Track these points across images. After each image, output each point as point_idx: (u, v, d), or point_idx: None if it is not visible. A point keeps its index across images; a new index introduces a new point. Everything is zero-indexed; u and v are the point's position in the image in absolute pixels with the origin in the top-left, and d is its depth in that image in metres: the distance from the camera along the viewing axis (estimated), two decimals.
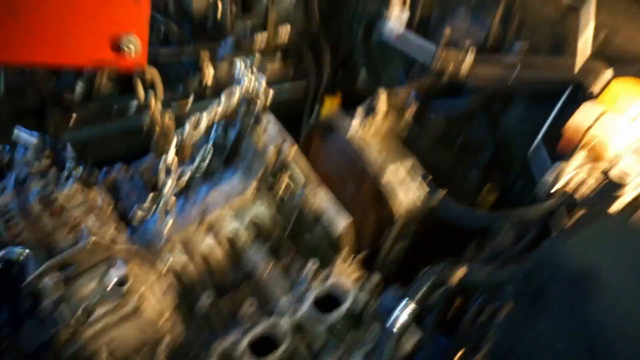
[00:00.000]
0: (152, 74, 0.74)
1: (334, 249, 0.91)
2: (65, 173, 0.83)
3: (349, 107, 1.18)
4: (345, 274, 0.86)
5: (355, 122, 1.12)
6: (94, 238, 0.71)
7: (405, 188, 1.04)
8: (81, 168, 0.96)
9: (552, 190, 0.71)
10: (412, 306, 0.69)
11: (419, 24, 1.23)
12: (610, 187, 0.66)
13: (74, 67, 0.94)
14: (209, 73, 1.40)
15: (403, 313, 0.69)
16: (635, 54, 0.85)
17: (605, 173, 0.66)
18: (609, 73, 0.76)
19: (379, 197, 1.05)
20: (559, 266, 0.56)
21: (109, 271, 0.68)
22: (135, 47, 0.62)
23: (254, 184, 0.91)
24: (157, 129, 0.83)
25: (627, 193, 0.63)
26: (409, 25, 1.23)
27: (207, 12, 1.41)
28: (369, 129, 1.13)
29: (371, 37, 1.42)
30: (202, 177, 0.99)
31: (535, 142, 0.93)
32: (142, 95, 0.75)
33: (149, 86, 0.73)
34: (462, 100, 1.06)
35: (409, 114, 1.13)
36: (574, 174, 0.70)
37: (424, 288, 0.69)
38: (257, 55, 1.45)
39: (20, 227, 0.74)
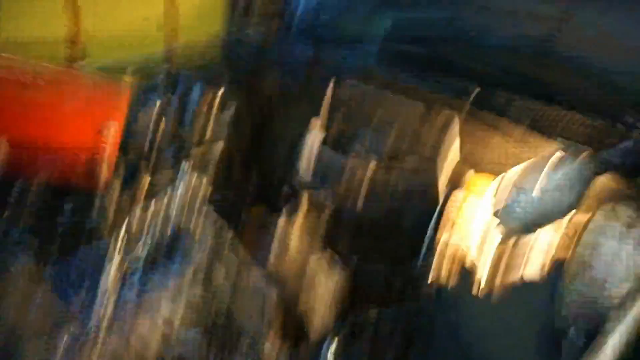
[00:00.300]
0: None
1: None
2: None
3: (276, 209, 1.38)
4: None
5: (281, 220, 1.31)
6: None
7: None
8: None
9: None
10: None
11: (333, 142, 1.51)
12: None
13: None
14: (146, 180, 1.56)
15: None
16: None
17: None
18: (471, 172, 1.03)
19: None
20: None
21: None
22: (114, 131, 0.79)
23: (192, 268, 1.03)
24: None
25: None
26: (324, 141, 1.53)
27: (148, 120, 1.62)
28: (293, 226, 1.33)
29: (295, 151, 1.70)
30: (145, 266, 1.09)
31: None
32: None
33: None
34: None
35: (327, 211, 1.35)
36: None
37: None
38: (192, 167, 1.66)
39: None
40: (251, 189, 1.74)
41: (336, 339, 0.90)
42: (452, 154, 1.13)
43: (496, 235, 0.81)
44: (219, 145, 1.65)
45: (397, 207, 1.25)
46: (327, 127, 1.52)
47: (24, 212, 1.14)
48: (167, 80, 1.62)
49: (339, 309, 1.11)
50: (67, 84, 0.83)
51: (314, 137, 1.51)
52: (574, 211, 0.77)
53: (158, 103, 1.49)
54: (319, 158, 1.50)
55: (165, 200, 1.08)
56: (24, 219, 1.11)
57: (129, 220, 1.02)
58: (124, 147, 1.51)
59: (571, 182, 0.75)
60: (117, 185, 0.98)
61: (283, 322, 1.02)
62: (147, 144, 1.57)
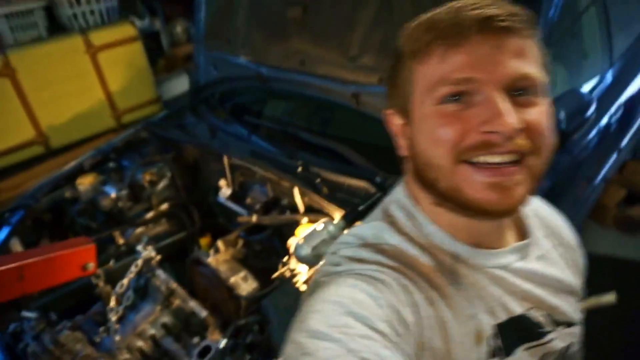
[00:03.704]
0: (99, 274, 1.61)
1: (205, 329, 1.76)
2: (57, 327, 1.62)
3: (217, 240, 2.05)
4: (212, 338, 1.71)
5: (212, 254, 2.02)
6: (84, 353, 1.51)
7: (244, 286, 1.95)
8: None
9: None
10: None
11: (234, 195, 2.18)
12: None
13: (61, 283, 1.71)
14: (121, 242, 2.24)
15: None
16: None
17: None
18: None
19: (231, 292, 1.93)
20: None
21: None
22: (91, 266, 1.48)
23: (158, 306, 1.77)
24: (104, 293, 1.67)
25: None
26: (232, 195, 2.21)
27: (112, 206, 2.27)
28: (219, 257, 2.03)
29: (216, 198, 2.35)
30: (129, 309, 1.82)
31: None
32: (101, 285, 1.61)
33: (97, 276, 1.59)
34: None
35: (239, 246, 2.05)
36: None
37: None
38: (149, 225, 2.34)
39: (43, 359, 1.52)
40: (197, 227, 2.41)
41: None
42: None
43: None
44: (165, 206, 2.33)
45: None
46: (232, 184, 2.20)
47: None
48: (115, 173, 2.27)
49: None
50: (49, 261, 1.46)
51: (224, 191, 2.21)
52: None
53: (113, 194, 2.15)
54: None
55: (133, 268, 1.79)
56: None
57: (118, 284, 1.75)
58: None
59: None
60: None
61: (215, 322, 1.76)
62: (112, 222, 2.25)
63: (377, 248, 0.68)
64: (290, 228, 1.90)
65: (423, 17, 0.64)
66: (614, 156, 2.47)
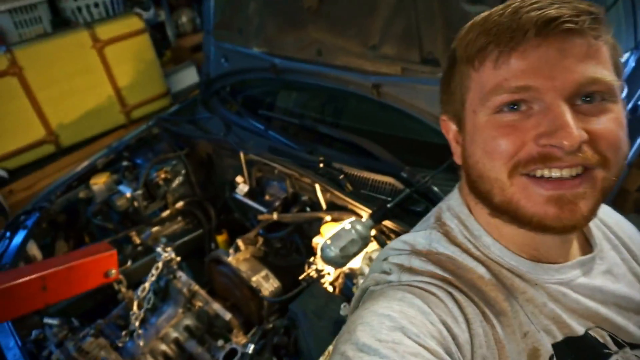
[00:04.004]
0: (121, 279, 1.57)
1: (229, 331, 1.73)
2: (81, 334, 1.59)
3: (234, 237, 1.93)
4: (237, 340, 1.67)
5: (231, 253, 1.97)
6: None
7: (266, 285, 1.90)
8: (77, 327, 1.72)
9: None
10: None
11: (252, 192, 2.11)
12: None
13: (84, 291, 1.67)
14: (138, 242, 2.20)
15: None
16: None
17: None
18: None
19: (253, 293, 1.89)
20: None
21: None
22: (114, 273, 1.44)
23: (181, 309, 1.73)
24: (126, 298, 1.64)
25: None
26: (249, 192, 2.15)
27: (127, 206, 2.23)
28: (239, 256, 1.99)
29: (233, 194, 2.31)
30: (151, 312, 1.79)
31: None
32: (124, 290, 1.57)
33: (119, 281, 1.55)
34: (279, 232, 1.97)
35: (259, 244, 2.01)
36: None
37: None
38: (165, 224, 2.30)
39: None
40: (213, 224, 2.37)
41: None
42: None
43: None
44: (180, 204, 2.28)
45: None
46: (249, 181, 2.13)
47: None
48: (128, 172, 2.23)
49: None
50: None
51: (241, 188, 2.15)
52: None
53: (128, 193, 2.11)
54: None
55: (154, 270, 1.75)
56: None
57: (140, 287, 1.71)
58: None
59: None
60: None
61: (239, 325, 1.72)
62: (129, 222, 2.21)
63: (430, 257, 0.65)
64: (310, 225, 1.86)
65: (478, 18, 0.59)
66: (639, 140, 2.39)
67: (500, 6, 0.56)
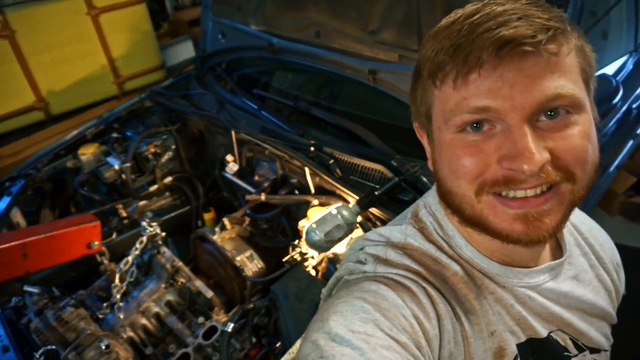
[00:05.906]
0: (104, 251, 1.56)
1: (210, 308, 1.73)
2: (61, 304, 1.59)
3: (221, 215, 1.91)
4: (217, 318, 1.68)
5: (217, 231, 1.96)
6: (88, 332, 1.48)
7: (250, 265, 1.90)
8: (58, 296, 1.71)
9: None
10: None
11: (241, 171, 2.08)
12: None
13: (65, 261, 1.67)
14: (124, 215, 2.19)
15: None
16: None
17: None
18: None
19: (237, 272, 1.88)
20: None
21: (99, 344, 1.45)
22: (96, 244, 1.43)
23: (163, 284, 1.73)
24: (108, 271, 1.63)
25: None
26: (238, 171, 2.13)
27: (115, 178, 2.21)
28: (225, 235, 1.98)
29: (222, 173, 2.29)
30: (133, 285, 1.79)
31: None
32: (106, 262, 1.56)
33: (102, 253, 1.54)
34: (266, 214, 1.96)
35: (245, 224, 2.00)
36: None
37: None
38: (153, 198, 2.28)
39: (47, 336, 1.48)
40: (201, 202, 2.36)
41: None
42: None
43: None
44: (169, 179, 2.26)
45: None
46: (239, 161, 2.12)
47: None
48: (118, 143, 2.20)
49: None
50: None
51: (230, 167, 2.13)
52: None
53: (116, 165, 2.08)
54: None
55: (138, 245, 1.74)
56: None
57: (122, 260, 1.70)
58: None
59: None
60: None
61: (221, 304, 1.72)
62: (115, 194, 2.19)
63: (406, 251, 0.65)
64: (298, 207, 1.85)
65: (438, 28, 0.56)
66: (630, 143, 2.40)
67: (461, 15, 0.54)
